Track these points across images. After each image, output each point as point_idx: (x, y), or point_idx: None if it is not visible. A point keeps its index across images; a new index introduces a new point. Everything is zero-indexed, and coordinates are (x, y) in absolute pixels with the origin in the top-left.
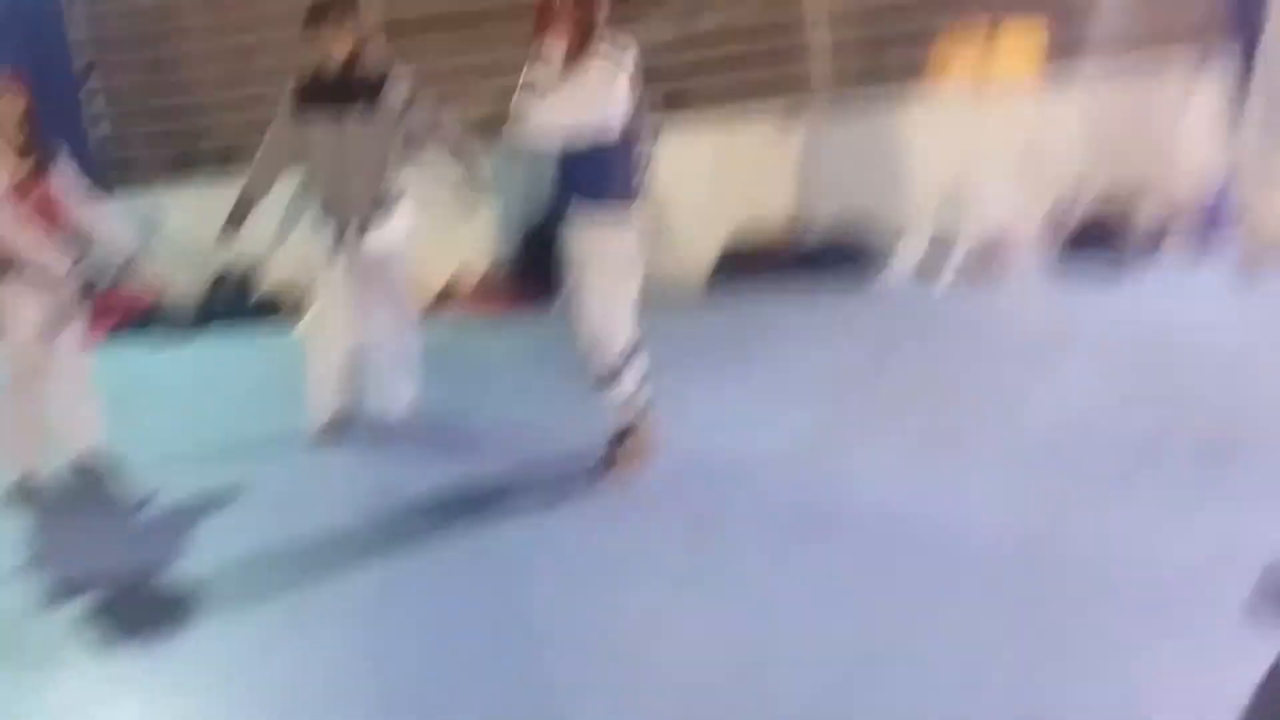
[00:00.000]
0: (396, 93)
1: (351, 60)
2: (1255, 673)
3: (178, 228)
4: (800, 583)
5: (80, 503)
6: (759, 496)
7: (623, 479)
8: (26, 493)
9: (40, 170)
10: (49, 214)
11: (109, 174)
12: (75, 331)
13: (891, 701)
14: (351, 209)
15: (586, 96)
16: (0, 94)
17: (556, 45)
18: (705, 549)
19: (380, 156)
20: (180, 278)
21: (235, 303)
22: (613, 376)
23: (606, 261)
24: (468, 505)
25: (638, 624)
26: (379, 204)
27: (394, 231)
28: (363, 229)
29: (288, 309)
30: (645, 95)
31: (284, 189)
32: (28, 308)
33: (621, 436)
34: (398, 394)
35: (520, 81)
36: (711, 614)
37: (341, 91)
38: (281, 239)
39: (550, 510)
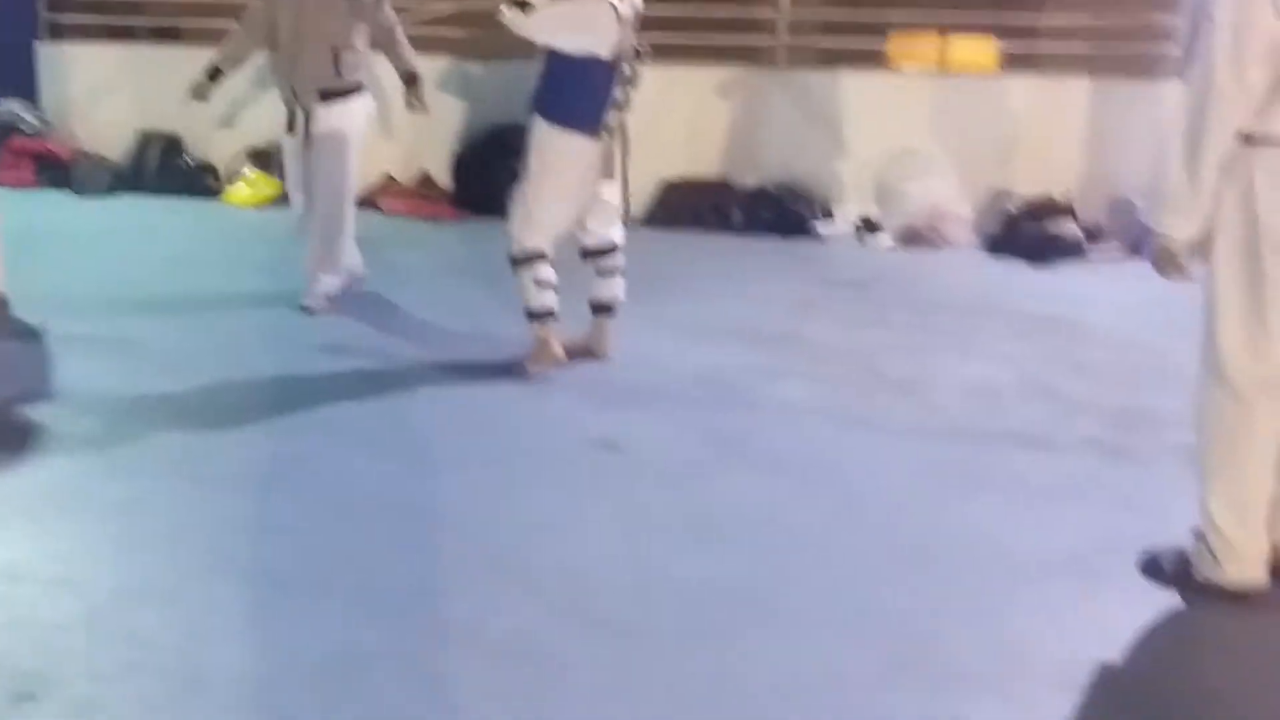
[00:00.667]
0: None
1: None
2: (1124, 639)
3: (108, 87)
4: (696, 507)
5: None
6: (667, 422)
7: (521, 376)
8: None
9: None
10: None
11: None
12: None
13: (774, 631)
14: (305, 87)
15: (575, 21)
16: None
17: None
18: (607, 465)
19: (337, 39)
20: (106, 136)
21: (161, 166)
22: (513, 269)
23: (539, 170)
24: (375, 389)
25: (527, 527)
26: (332, 85)
27: (345, 115)
28: (313, 108)
29: (213, 180)
30: (637, 39)
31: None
32: None
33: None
34: (325, 274)
35: None
36: (602, 528)
37: None
38: (231, 112)
39: (458, 406)
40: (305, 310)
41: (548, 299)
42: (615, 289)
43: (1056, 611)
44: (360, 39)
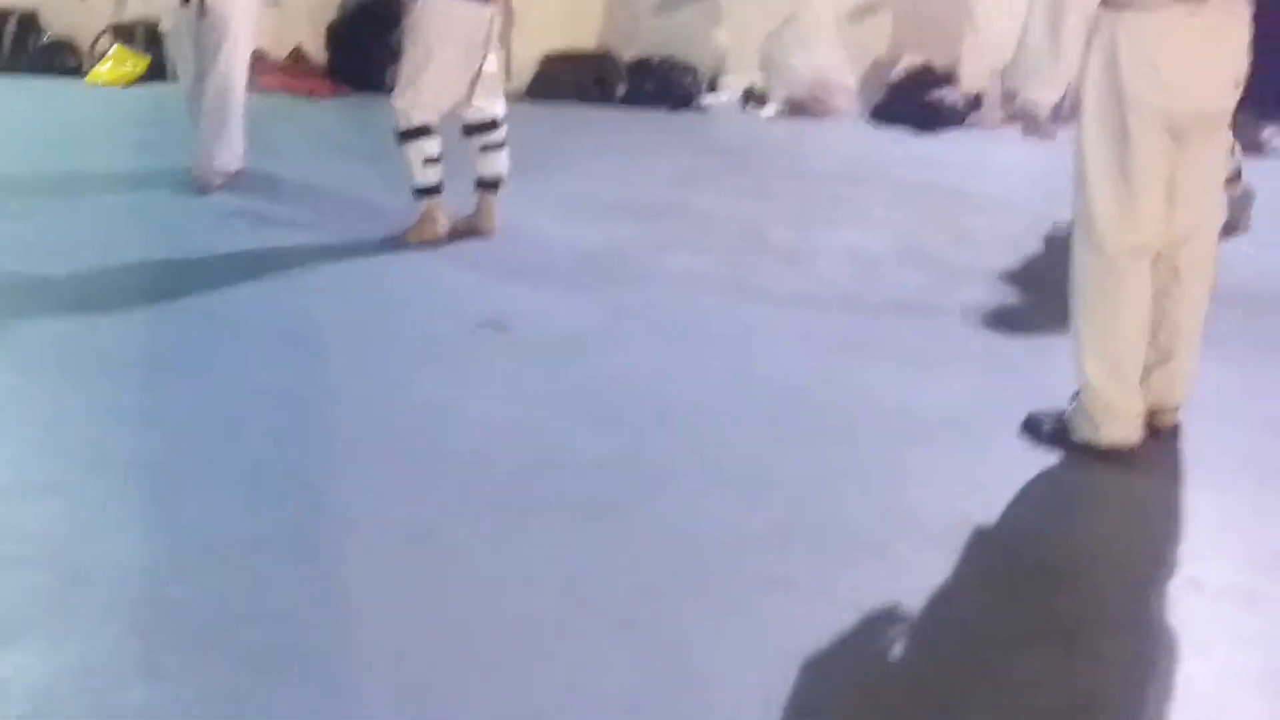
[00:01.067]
0: None
1: None
2: (1005, 498)
3: None
4: (587, 383)
5: None
6: (555, 298)
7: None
8: None
9: None
10: None
11: None
12: None
13: (669, 502)
14: None
15: None
16: None
17: None
18: (497, 343)
19: None
20: None
21: (16, 44)
22: (399, 144)
23: (425, 41)
24: (259, 271)
25: (419, 409)
26: None
27: None
28: None
29: (73, 58)
30: None
31: None
32: None
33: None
34: (220, 150)
35: None
36: (494, 408)
37: None
38: None
39: (344, 288)
40: (199, 188)
41: (433, 174)
42: (499, 164)
43: (940, 473)
44: None
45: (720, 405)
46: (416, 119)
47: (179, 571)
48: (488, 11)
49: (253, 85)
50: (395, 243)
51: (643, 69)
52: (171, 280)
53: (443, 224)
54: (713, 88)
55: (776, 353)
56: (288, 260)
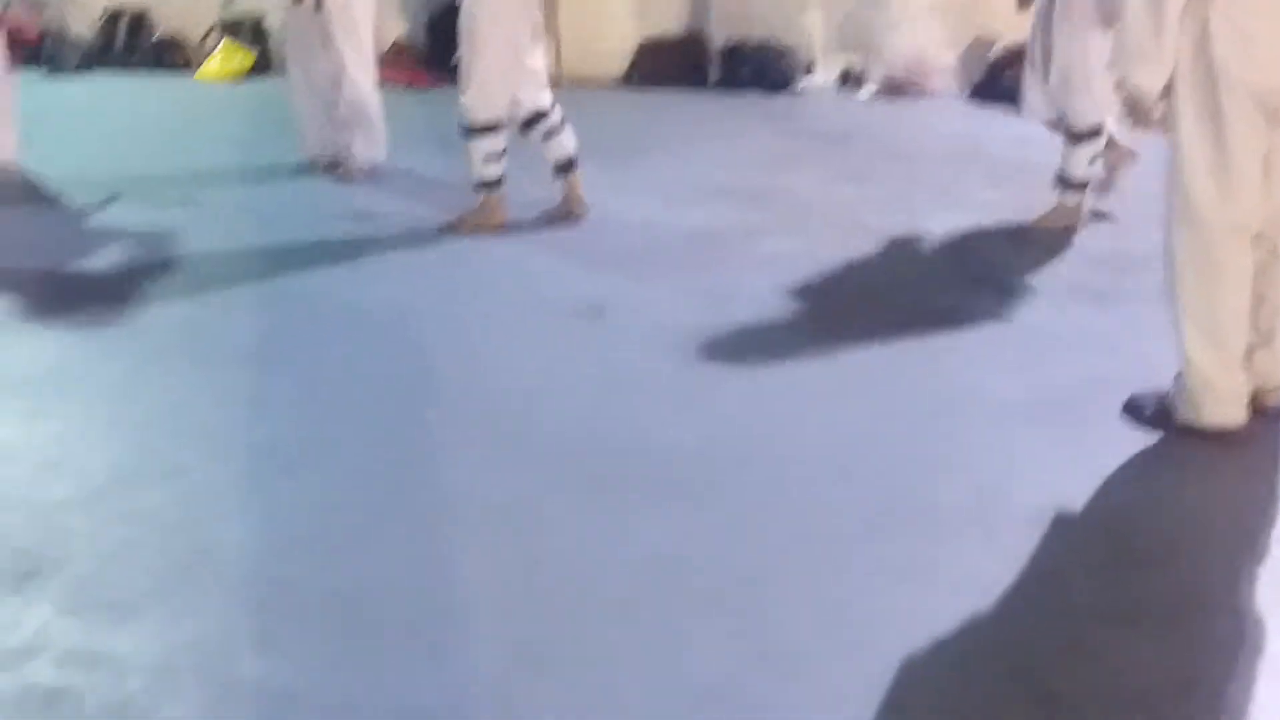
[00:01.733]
0: None
1: None
2: (1103, 478)
3: None
4: (685, 367)
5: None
6: (652, 283)
7: (458, 234)
8: None
9: None
10: None
11: None
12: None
13: (764, 487)
14: None
15: None
16: None
17: None
18: (595, 328)
19: None
20: (72, 14)
21: (128, 42)
22: (468, 137)
23: (482, 35)
24: (369, 260)
25: (519, 394)
26: None
27: None
28: None
29: (182, 54)
30: None
31: None
32: None
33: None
34: (360, 144)
35: None
36: (592, 392)
37: None
38: None
39: (445, 275)
40: (339, 177)
41: (495, 169)
42: (566, 145)
43: (1038, 454)
44: None
45: (815, 389)
46: (482, 116)
47: (292, 550)
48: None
49: None
50: (451, 229)
51: (737, 53)
52: (282, 268)
53: (501, 215)
54: (809, 70)
55: (871, 334)
56: (392, 248)
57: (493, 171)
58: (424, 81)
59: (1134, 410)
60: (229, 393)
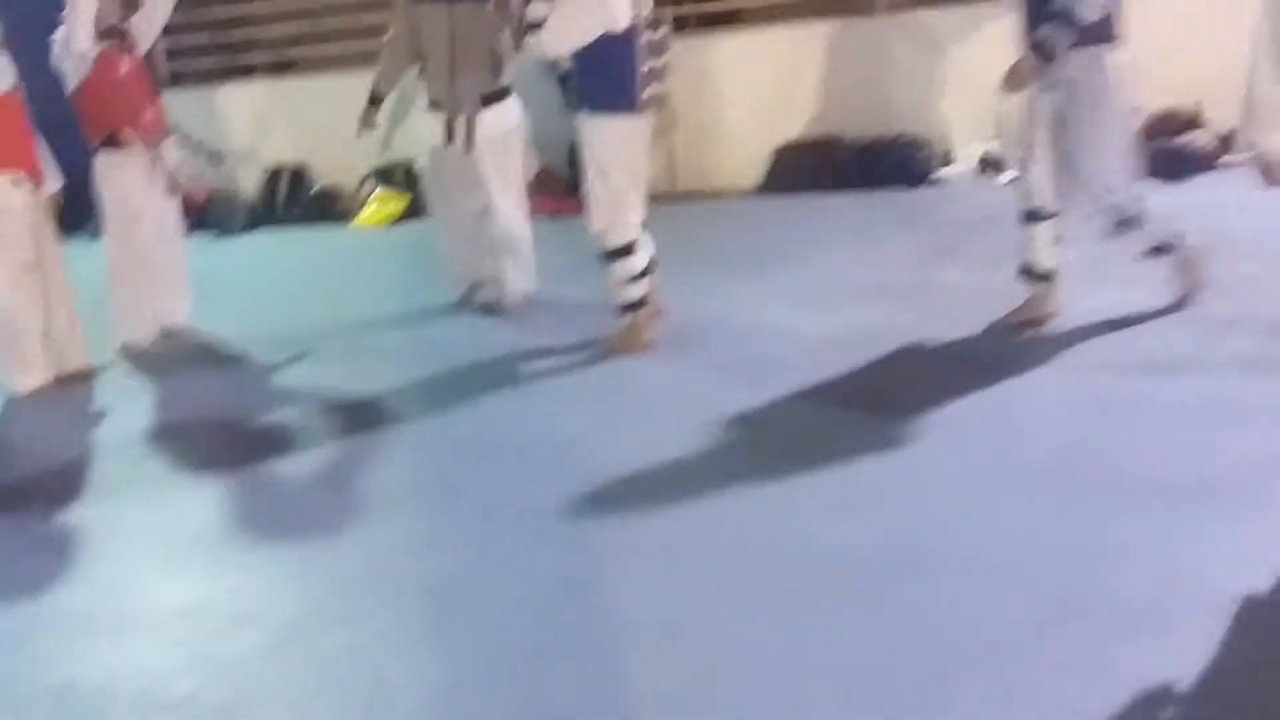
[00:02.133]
0: None
1: None
2: None
3: (234, 125)
4: (840, 472)
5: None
6: (799, 389)
7: (610, 356)
8: (140, 353)
9: (132, 50)
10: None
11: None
12: (170, 211)
13: (930, 588)
14: (468, 93)
15: (583, 9)
16: None
17: None
18: (746, 439)
19: (494, 42)
20: (236, 174)
21: (290, 198)
22: (609, 261)
23: (605, 162)
24: (516, 391)
25: (674, 509)
26: (492, 88)
27: (508, 115)
28: (475, 113)
29: (341, 204)
30: (657, 13)
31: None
32: (138, 180)
33: (623, 319)
34: (513, 276)
35: None
36: (747, 502)
37: None
38: (388, 132)
39: (600, 396)
40: (497, 310)
41: (637, 290)
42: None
43: (1217, 539)
44: (510, 41)
45: (979, 481)
46: (618, 239)
47: (469, 683)
48: (643, 124)
49: None
50: (605, 352)
51: (873, 150)
52: (446, 407)
53: (649, 334)
54: (946, 161)
55: (1037, 423)
56: (549, 377)
57: (634, 292)
58: (571, 210)
59: None
60: (403, 533)
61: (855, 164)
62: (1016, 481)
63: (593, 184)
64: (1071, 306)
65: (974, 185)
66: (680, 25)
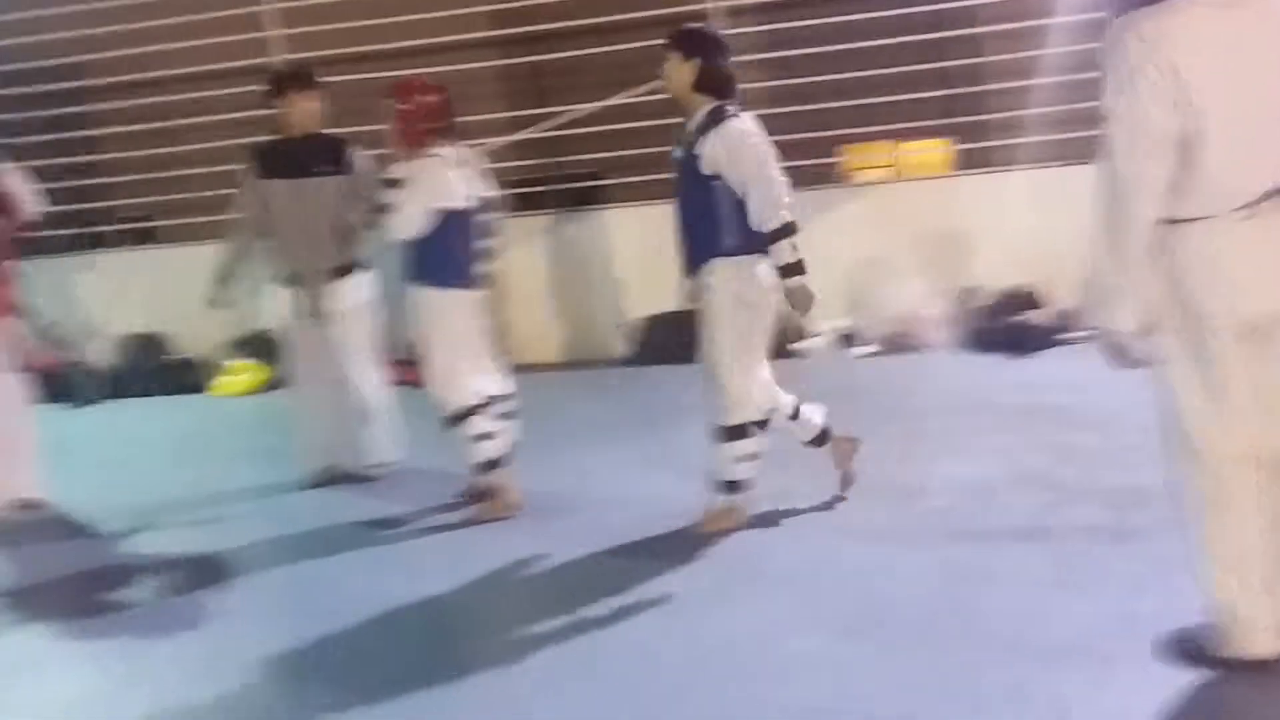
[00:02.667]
0: (357, 158)
1: (312, 126)
2: (1145, 715)
3: (87, 295)
4: (706, 641)
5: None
6: (667, 562)
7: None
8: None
9: None
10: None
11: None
12: (17, 384)
13: None
14: (317, 267)
15: (425, 190)
16: None
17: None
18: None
19: (342, 219)
20: (89, 343)
21: (145, 367)
22: (452, 425)
23: (435, 330)
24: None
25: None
26: (342, 261)
27: (353, 292)
28: (326, 290)
29: (197, 374)
30: (491, 196)
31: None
32: None
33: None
34: (372, 445)
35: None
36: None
37: (303, 156)
38: (223, 301)
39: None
40: (357, 478)
41: (491, 448)
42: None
43: (1069, 703)
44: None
45: (841, 651)
46: (453, 403)
47: None
48: (474, 297)
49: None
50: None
51: None
52: (309, 578)
53: (512, 497)
54: (810, 334)
55: (894, 591)
56: (403, 542)
57: (488, 452)
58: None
59: (1169, 649)
60: (265, 711)
61: None
62: (878, 647)
63: (425, 353)
64: (930, 477)
65: (834, 357)
66: (552, 202)
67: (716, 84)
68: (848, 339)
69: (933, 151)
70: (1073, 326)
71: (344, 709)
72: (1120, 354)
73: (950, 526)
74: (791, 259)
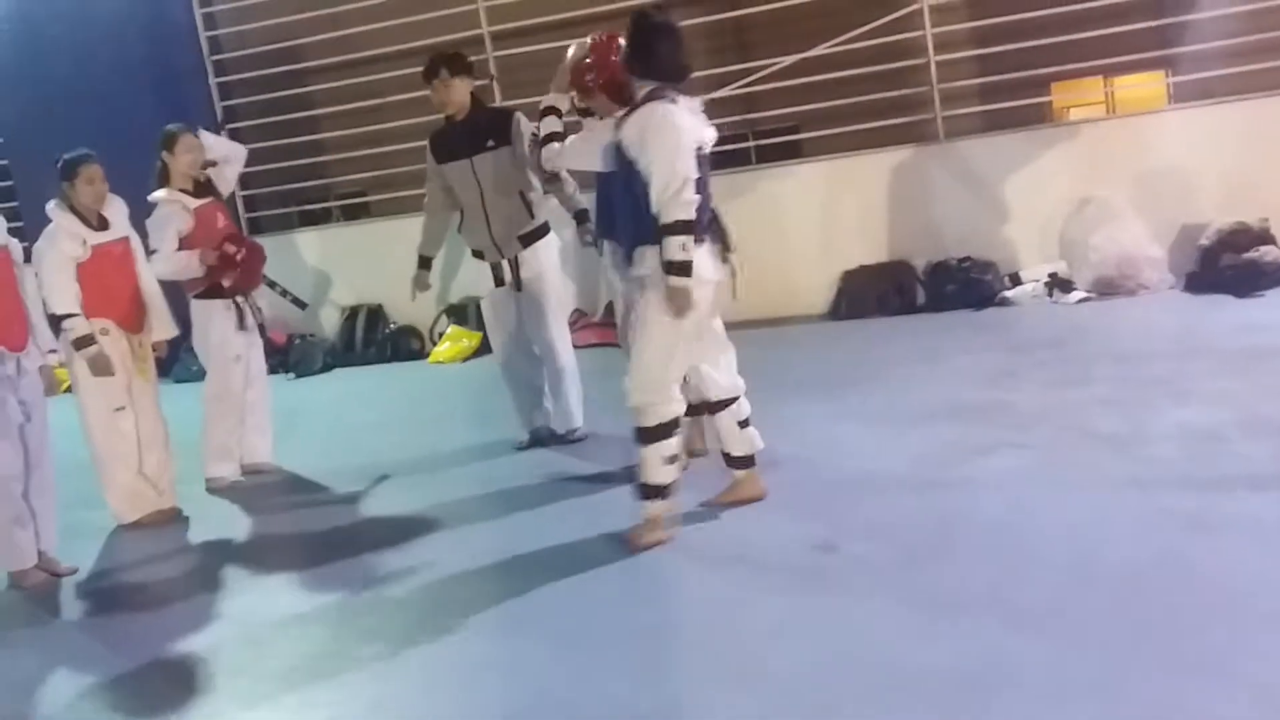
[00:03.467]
0: (521, 128)
1: (474, 104)
2: None
3: (312, 269)
4: (920, 595)
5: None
6: (880, 513)
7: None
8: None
9: (216, 200)
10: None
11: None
12: (259, 352)
13: (1025, 710)
14: (506, 237)
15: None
16: (186, 145)
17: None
18: (829, 564)
19: (521, 185)
20: (316, 317)
21: (367, 337)
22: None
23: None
24: (589, 519)
25: (761, 635)
26: (529, 228)
27: (547, 252)
28: (516, 254)
29: (416, 341)
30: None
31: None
32: (233, 326)
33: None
34: (565, 411)
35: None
36: (832, 627)
37: (471, 135)
38: (422, 284)
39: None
40: (564, 440)
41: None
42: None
43: None
44: (534, 184)
45: (1061, 604)
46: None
47: None
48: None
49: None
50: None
51: (941, 272)
52: (518, 534)
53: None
54: (1015, 281)
55: (1116, 543)
56: (616, 507)
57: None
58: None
59: None
60: (484, 660)
61: (924, 286)
62: (1100, 601)
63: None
64: (1151, 425)
65: (1044, 305)
66: (757, 157)
67: (656, 68)
68: (1060, 284)
69: (1146, 85)
70: None
71: (568, 671)
72: None
73: (1171, 476)
74: (679, 258)
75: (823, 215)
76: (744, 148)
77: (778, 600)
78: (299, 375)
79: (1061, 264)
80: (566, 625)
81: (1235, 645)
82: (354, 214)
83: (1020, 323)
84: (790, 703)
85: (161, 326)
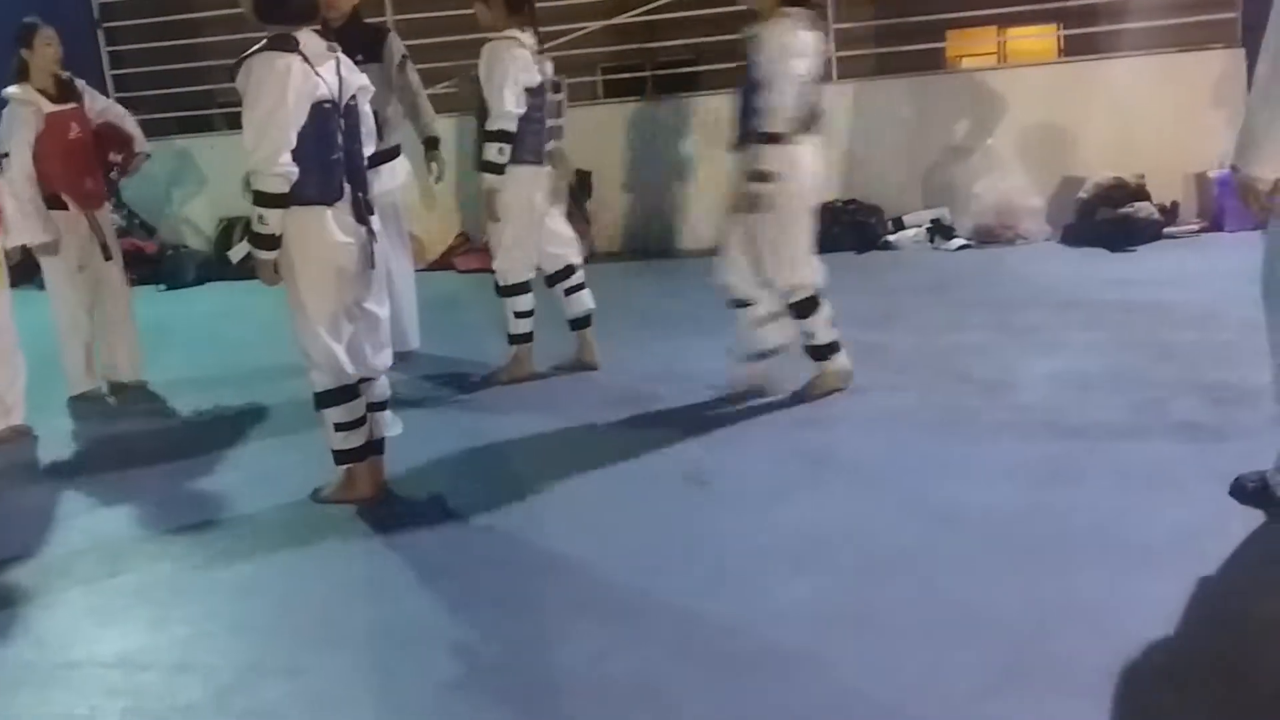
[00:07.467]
0: (393, 48)
1: (352, 15)
2: (1238, 625)
3: (185, 180)
4: (790, 530)
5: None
6: (752, 446)
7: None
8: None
9: (76, 107)
10: (94, 143)
11: None
12: (118, 265)
13: (878, 648)
14: None
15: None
16: (45, 38)
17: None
18: (699, 497)
19: (375, 104)
20: (187, 228)
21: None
22: (505, 296)
23: (507, 210)
24: (470, 440)
25: (629, 569)
26: (376, 149)
27: (392, 177)
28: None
29: None
30: (557, 77)
31: None
32: (77, 240)
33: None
34: (400, 331)
35: None
36: (699, 560)
37: (342, 45)
38: None
39: (530, 450)
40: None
41: (525, 325)
42: (584, 302)
43: (1169, 603)
44: (392, 104)
45: (928, 543)
46: (512, 277)
47: None
48: (545, 171)
49: (455, 268)
50: (489, 381)
51: (826, 214)
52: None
53: (531, 365)
54: (899, 225)
55: (984, 486)
56: (487, 428)
57: (523, 327)
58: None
59: (1238, 491)
60: (343, 581)
61: None
62: (965, 542)
63: (491, 230)
64: (1023, 372)
65: (926, 250)
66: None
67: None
68: (942, 230)
69: (1039, 38)
70: (1177, 220)
71: (429, 592)
72: (1256, 198)
73: (1038, 422)
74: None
75: (713, 152)
76: (641, 77)
77: (645, 530)
78: (170, 287)
79: (944, 210)
80: (434, 553)
81: (1096, 587)
82: (236, 123)
83: (901, 267)
84: (656, 637)
85: (17, 231)
